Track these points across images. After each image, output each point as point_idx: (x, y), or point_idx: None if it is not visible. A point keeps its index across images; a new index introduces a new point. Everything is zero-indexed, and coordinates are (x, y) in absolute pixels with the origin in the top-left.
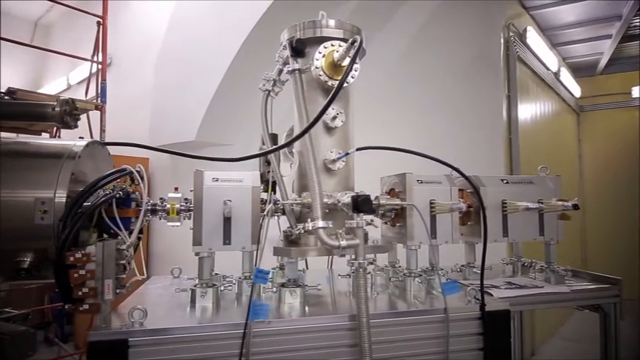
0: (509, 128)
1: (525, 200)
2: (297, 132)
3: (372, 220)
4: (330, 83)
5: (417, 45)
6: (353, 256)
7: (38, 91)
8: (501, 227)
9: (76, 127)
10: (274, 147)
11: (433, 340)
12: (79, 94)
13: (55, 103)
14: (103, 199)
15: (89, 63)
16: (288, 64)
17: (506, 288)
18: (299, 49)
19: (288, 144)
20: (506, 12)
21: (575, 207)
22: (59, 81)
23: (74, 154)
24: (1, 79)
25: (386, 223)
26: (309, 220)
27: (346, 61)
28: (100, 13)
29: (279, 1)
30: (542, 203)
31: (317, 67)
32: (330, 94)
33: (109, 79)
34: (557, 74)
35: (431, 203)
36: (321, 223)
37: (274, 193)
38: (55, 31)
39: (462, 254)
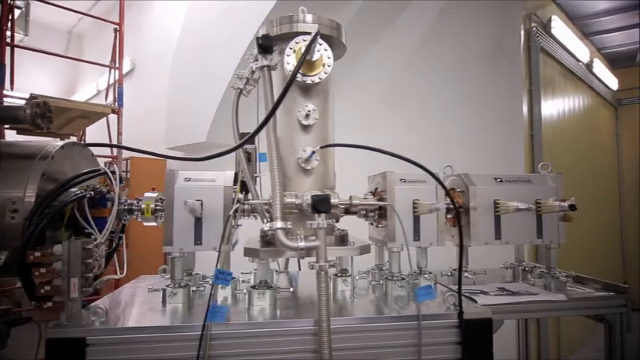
0: (531, 124)
1: (521, 200)
2: (267, 130)
3: (333, 220)
4: (301, 79)
5: (428, 41)
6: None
7: (68, 98)
8: (493, 229)
9: (48, 128)
10: (235, 145)
11: (405, 348)
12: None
13: (26, 106)
14: (72, 198)
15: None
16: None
17: (495, 294)
18: (265, 45)
19: (246, 140)
20: (526, 2)
21: (572, 207)
22: (89, 87)
23: (47, 155)
24: (38, 87)
25: (371, 223)
26: (264, 220)
27: (316, 56)
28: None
29: (283, 1)
30: (539, 203)
31: (288, 63)
32: (284, 87)
33: (132, 85)
34: (589, 66)
35: (414, 203)
36: (279, 224)
37: (245, 193)
38: (87, 39)
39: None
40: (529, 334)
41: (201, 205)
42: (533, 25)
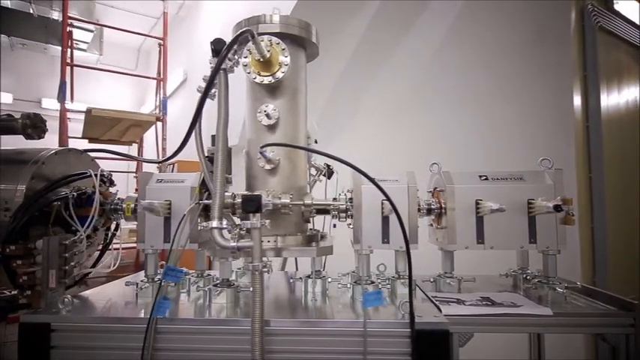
0: (586, 115)
1: (512, 200)
2: (217, 130)
3: (264, 223)
4: (257, 80)
5: (461, 27)
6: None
7: (118, 109)
8: (475, 232)
9: (40, 138)
10: (177, 149)
11: (350, 355)
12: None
13: (20, 118)
14: (55, 197)
15: (176, 82)
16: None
17: (471, 304)
18: (218, 48)
19: (185, 141)
20: None
21: (557, 208)
22: (154, 98)
23: (38, 160)
24: (115, 100)
25: (349, 225)
26: (200, 220)
27: (267, 54)
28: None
29: (302, 1)
30: (531, 203)
31: (245, 65)
32: (205, 85)
33: (184, 94)
34: None
35: (383, 203)
36: (214, 223)
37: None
38: (153, 55)
39: (463, 262)
40: (542, 349)
41: (170, 205)
42: (588, 2)
